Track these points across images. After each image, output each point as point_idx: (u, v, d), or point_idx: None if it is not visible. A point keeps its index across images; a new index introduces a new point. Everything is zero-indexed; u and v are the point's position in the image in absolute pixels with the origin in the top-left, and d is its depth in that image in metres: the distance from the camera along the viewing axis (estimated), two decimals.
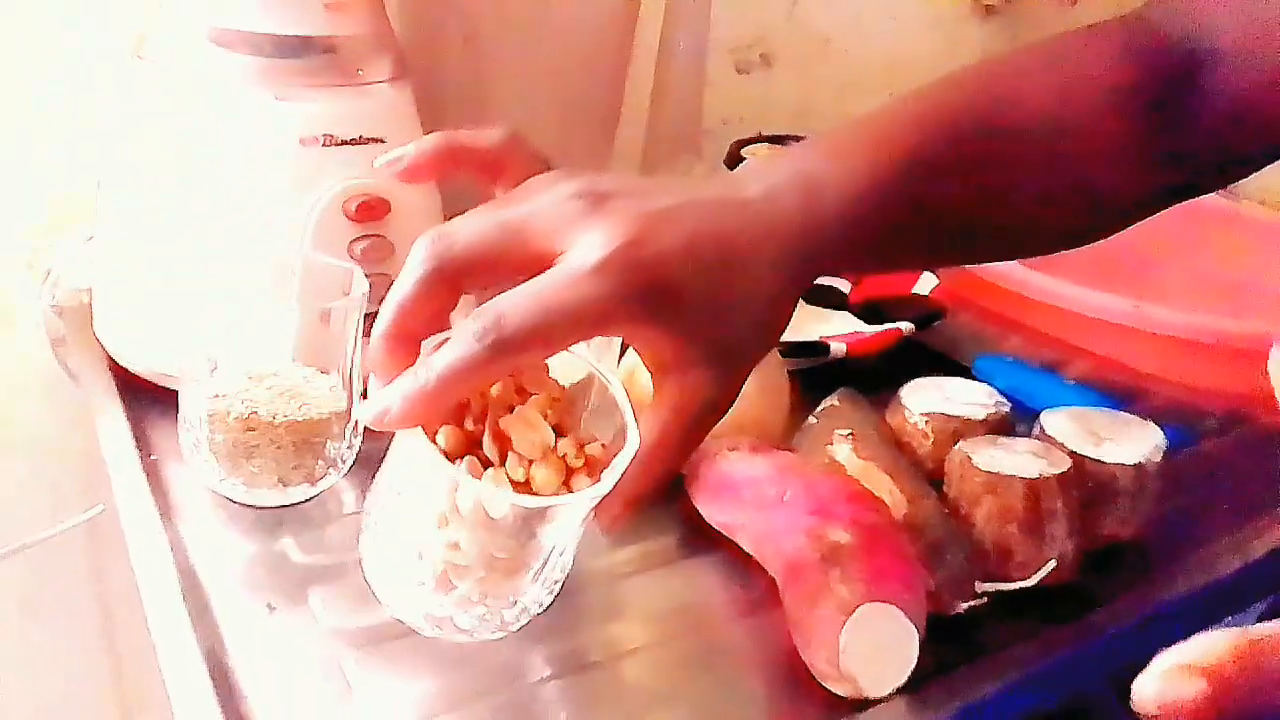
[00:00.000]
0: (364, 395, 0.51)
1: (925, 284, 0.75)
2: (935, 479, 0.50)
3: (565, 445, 0.36)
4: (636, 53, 0.70)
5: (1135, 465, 0.49)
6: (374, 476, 0.38)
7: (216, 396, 0.48)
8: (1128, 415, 0.53)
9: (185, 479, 0.50)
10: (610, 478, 0.34)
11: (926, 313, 0.71)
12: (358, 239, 0.55)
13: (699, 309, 0.34)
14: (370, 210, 0.54)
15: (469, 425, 0.35)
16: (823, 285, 0.77)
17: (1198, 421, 0.64)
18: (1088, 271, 0.79)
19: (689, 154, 0.89)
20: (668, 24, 0.70)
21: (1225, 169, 0.50)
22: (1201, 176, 0.50)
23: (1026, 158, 0.44)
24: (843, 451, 0.50)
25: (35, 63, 0.65)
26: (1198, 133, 0.47)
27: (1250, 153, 0.49)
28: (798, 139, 0.85)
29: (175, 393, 0.49)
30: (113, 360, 0.58)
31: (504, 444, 0.35)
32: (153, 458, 0.52)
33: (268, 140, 0.53)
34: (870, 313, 0.74)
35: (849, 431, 0.51)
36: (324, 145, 0.53)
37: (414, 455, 0.35)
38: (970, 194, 0.42)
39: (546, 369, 0.37)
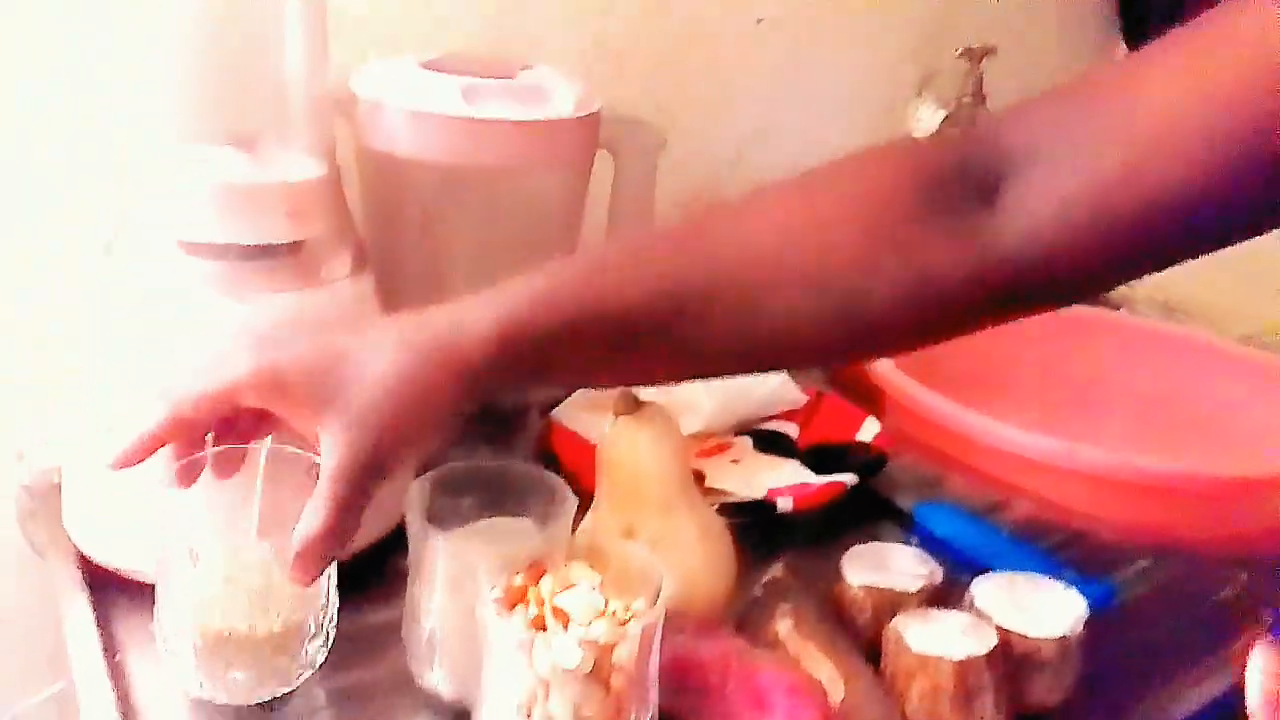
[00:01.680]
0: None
1: (868, 430, 0.78)
2: (874, 647, 0.53)
3: (615, 605, 0.44)
4: (586, 226, 0.74)
5: (1059, 639, 0.52)
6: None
7: (195, 609, 0.49)
8: (1053, 582, 0.56)
9: (149, 671, 0.52)
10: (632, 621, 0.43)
11: (869, 460, 0.74)
12: None
13: (309, 392, 0.43)
14: None
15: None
16: (772, 431, 0.81)
17: (1126, 565, 0.68)
18: (1028, 405, 0.83)
19: None
20: (615, 196, 0.74)
21: (1032, 289, 0.46)
22: (1016, 297, 0.46)
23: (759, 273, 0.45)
24: (785, 627, 0.53)
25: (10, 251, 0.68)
26: (1004, 239, 0.44)
27: (1061, 264, 0.45)
28: None
29: (141, 581, 0.51)
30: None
31: (564, 619, 0.43)
32: (116, 658, 0.53)
33: (232, 339, 0.56)
34: (817, 458, 0.77)
35: (791, 607, 0.54)
36: None
37: (494, 642, 0.43)
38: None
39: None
